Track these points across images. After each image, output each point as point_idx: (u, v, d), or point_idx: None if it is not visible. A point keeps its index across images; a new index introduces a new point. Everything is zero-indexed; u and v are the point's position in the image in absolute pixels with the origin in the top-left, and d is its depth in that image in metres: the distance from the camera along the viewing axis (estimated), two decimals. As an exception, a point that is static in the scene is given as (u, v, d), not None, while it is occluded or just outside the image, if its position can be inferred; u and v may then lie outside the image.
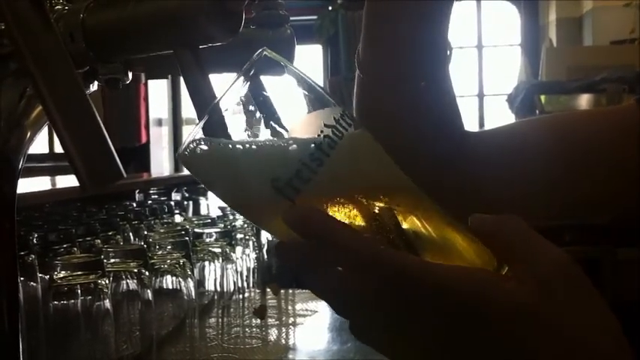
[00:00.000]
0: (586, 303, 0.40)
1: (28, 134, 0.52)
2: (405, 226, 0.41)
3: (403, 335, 0.40)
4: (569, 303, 0.39)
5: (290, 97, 0.41)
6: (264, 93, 0.40)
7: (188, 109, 4.76)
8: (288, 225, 0.39)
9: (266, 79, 0.40)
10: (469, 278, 0.38)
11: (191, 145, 0.39)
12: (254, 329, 1.09)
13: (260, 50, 0.41)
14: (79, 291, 0.76)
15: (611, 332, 0.39)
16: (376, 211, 0.40)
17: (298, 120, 0.41)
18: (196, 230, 1.09)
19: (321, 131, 0.39)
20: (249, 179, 0.39)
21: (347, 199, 0.40)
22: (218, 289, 1.05)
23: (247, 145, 0.39)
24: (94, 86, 0.52)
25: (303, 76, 0.42)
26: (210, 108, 0.39)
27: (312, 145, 0.39)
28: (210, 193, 1.82)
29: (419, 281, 0.38)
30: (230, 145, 0.39)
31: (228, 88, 0.39)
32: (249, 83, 0.40)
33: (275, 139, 0.40)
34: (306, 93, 0.42)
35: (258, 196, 0.39)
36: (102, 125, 0.36)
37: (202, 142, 0.39)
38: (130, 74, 0.52)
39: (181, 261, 0.94)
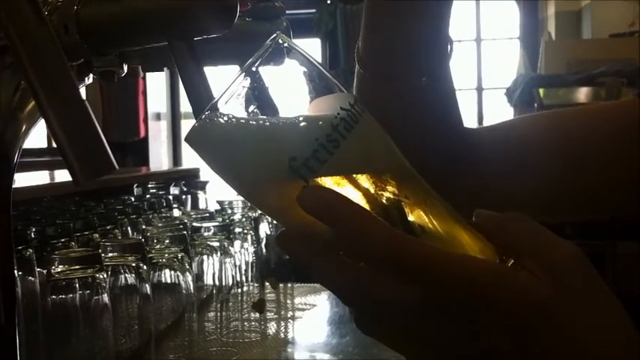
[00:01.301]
0: (598, 299, 0.39)
1: (24, 127, 0.52)
2: (411, 218, 0.40)
3: (415, 332, 0.39)
4: (582, 299, 0.38)
5: (300, 83, 0.41)
6: (264, 84, 0.39)
7: (187, 103, 4.75)
8: (304, 206, 0.37)
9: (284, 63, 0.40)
10: (480, 269, 0.38)
11: (206, 120, 0.38)
12: (253, 323, 1.09)
13: (274, 35, 0.40)
14: (77, 285, 0.76)
15: (622, 328, 0.38)
16: (384, 201, 0.40)
17: (312, 102, 0.41)
18: (194, 224, 1.09)
19: (338, 113, 0.39)
20: (263, 156, 0.38)
21: (356, 186, 0.39)
22: (217, 283, 1.05)
23: (262, 122, 0.39)
24: (90, 79, 0.51)
25: (316, 63, 0.41)
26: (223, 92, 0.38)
27: (330, 125, 0.38)
28: (208, 187, 1.82)
29: (442, 273, 0.37)
30: (243, 121, 0.38)
31: (243, 71, 0.39)
32: (255, 71, 0.39)
33: (288, 117, 0.39)
34: (318, 80, 0.41)
35: (271, 175, 0.38)
36: (94, 118, 0.36)
37: (218, 117, 0.38)
38: (126, 67, 0.52)
39: (179, 255, 0.94)
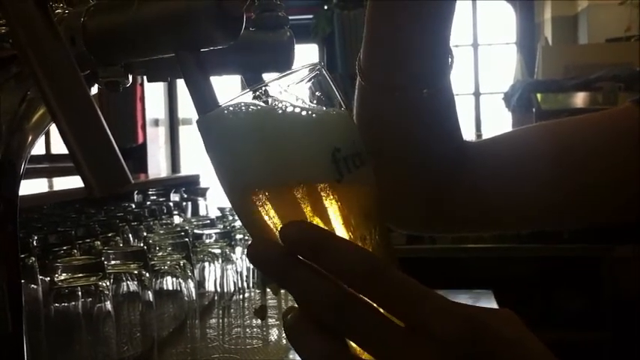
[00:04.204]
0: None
1: (30, 138, 0.52)
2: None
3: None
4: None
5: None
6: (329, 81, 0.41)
7: (184, 109, 4.75)
8: (287, 239, 0.37)
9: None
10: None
11: (241, 105, 0.38)
12: (255, 329, 1.09)
13: (318, 64, 0.41)
14: (80, 293, 0.76)
15: None
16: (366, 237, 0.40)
17: None
18: (196, 231, 1.09)
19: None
20: (302, 145, 0.38)
21: (361, 209, 0.40)
22: (218, 289, 1.06)
23: (298, 113, 0.39)
24: (95, 89, 0.52)
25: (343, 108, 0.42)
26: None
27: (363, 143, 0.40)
28: (208, 194, 1.82)
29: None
30: (279, 111, 0.38)
31: (266, 84, 0.39)
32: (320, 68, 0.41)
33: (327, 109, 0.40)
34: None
35: (308, 163, 0.38)
36: (108, 129, 0.36)
37: (245, 106, 0.38)
38: (130, 77, 0.52)
39: (181, 262, 0.95)
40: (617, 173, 0.62)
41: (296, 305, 0.40)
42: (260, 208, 0.39)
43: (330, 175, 0.38)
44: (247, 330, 1.08)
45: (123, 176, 0.35)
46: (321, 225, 0.39)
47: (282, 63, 0.57)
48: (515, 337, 0.38)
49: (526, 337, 0.38)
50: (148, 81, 0.55)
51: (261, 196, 0.38)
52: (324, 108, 0.40)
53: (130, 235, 1.19)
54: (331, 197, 0.39)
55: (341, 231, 0.39)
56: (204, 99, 0.40)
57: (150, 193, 1.74)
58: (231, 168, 0.39)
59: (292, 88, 0.39)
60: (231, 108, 0.38)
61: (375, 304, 0.37)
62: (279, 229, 0.38)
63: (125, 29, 0.43)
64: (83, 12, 0.44)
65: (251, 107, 0.38)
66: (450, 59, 0.62)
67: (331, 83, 0.41)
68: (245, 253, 1.13)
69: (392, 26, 0.60)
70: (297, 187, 0.38)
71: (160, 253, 0.95)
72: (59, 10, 0.46)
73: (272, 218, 0.39)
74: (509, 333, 0.38)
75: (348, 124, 0.41)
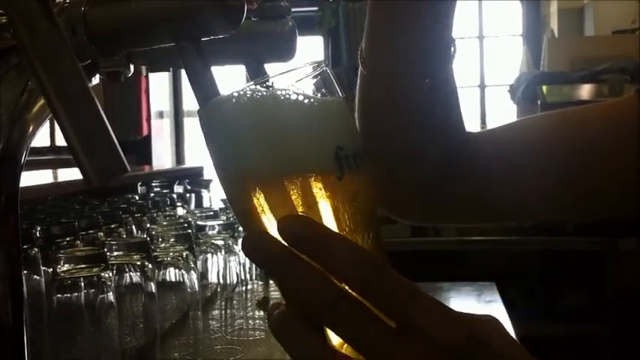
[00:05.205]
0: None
1: (31, 128, 0.52)
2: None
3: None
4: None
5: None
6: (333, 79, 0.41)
7: (189, 101, 4.75)
8: (285, 236, 0.37)
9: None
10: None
11: (246, 90, 0.38)
12: (257, 321, 1.09)
13: (322, 63, 0.41)
14: (83, 284, 0.76)
15: None
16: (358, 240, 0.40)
17: None
18: (199, 223, 1.09)
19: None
20: (306, 140, 0.38)
21: (359, 208, 0.40)
22: (221, 281, 1.06)
23: (312, 103, 0.39)
24: (96, 79, 0.52)
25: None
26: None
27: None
28: (212, 186, 1.82)
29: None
30: (281, 99, 0.38)
31: (270, 77, 0.39)
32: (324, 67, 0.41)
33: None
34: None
35: (310, 157, 0.38)
36: (105, 119, 0.36)
37: (248, 95, 0.38)
38: (132, 67, 0.52)
39: (184, 253, 0.95)
40: (622, 169, 0.61)
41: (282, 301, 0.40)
42: (257, 200, 0.38)
43: (332, 172, 0.38)
44: (250, 321, 1.08)
45: (120, 165, 0.35)
46: (318, 220, 0.38)
47: (284, 53, 0.57)
48: (504, 351, 0.38)
49: (515, 351, 0.38)
50: (150, 71, 0.55)
51: (259, 187, 0.38)
52: (329, 100, 0.40)
53: (133, 227, 1.19)
54: (330, 193, 0.38)
55: (337, 227, 0.39)
56: (205, 88, 0.40)
57: (153, 184, 1.74)
58: (231, 156, 0.39)
59: (296, 85, 0.39)
60: (235, 94, 0.38)
61: (369, 304, 0.37)
62: (275, 222, 0.38)
63: (126, 19, 0.43)
64: (84, 2, 0.44)
65: (256, 93, 0.38)
66: (452, 50, 0.61)
67: (335, 82, 0.41)
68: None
69: (393, 17, 0.59)
70: (297, 181, 0.38)
71: (163, 245, 0.95)
72: (60, 0, 0.46)
73: (268, 211, 0.39)
74: (499, 347, 0.38)
75: (351, 122, 0.41)
